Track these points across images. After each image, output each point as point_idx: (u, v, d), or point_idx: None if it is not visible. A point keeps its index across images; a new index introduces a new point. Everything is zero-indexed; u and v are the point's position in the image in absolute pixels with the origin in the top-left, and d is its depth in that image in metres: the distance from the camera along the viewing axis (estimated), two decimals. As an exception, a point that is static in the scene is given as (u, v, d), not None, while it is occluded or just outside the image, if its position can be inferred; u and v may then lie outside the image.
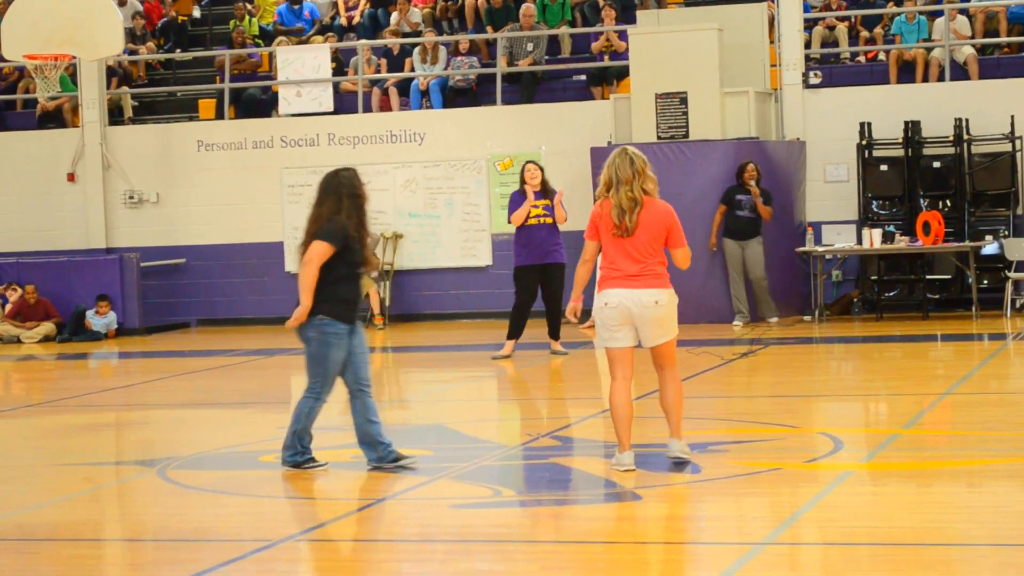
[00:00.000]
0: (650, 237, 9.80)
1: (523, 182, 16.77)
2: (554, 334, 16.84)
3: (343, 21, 24.42)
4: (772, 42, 20.76)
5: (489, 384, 15.81)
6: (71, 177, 22.90)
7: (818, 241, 19.51)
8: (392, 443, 10.26)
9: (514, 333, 17.06)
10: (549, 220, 16.67)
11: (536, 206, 16.60)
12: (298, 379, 17.30)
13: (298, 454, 10.33)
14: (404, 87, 22.94)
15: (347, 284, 10.34)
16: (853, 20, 21.94)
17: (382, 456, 10.17)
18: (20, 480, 11.32)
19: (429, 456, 10.88)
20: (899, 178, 20.13)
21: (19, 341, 21.22)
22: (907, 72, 21.25)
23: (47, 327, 21.45)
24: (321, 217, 10.21)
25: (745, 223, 17.95)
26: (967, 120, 19.95)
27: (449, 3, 24.02)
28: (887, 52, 21.56)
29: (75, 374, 18.44)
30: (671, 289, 9.88)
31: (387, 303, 21.44)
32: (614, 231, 9.72)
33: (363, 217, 10.31)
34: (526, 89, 22.44)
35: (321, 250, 10.07)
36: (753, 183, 17.88)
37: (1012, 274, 19.02)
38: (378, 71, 23.26)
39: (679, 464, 10.06)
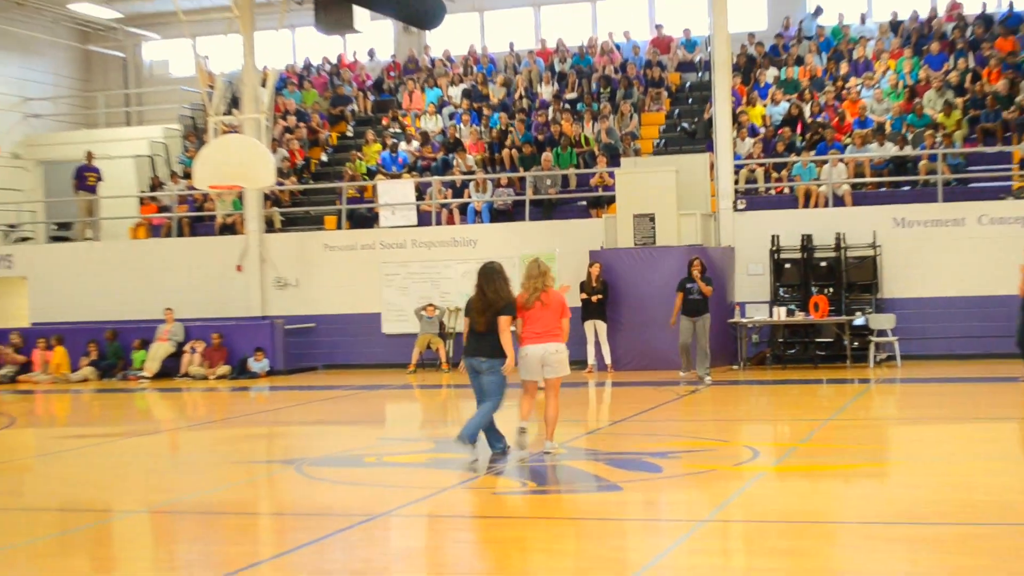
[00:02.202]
0: (551, 312, 10.66)
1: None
2: None
3: (423, 163, 24.60)
4: (712, 180, 20.80)
5: (513, 411, 15.88)
6: (239, 268, 23.04)
7: (743, 315, 19.47)
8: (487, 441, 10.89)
9: None
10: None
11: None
12: (395, 405, 17.44)
13: (499, 441, 10.83)
14: (463, 208, 23.09)
15: None
16: (767, 165, 22.03)
17: (494, 447, 10.88)
18: (202, 472, 11.46)
19: (476, 458, 10.92)
20: (798, 273, 20.11)
21: (206, 378, 21.37)
22: (811, 200, 21.20)
23: (224, 369, 21.60)
24: (506, 296, 10.60)
25: (694, 303, 17.58)
26: (844, 234, 20.00)
27: (495, 153, 24.26)
28: (791, 187, 21.63)
29: (241, 401, 18.54)
30: (563, 344, 10.76)
31: (450, 354, 21.49)
32: (535, 311, 10.64)
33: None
34: (546, 211, 22.56)
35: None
36: (697, 272, 17.64)
37: (874, 338, 18.99)
38: (446, 197, 23.42)
39: (548, 455, 10.75)
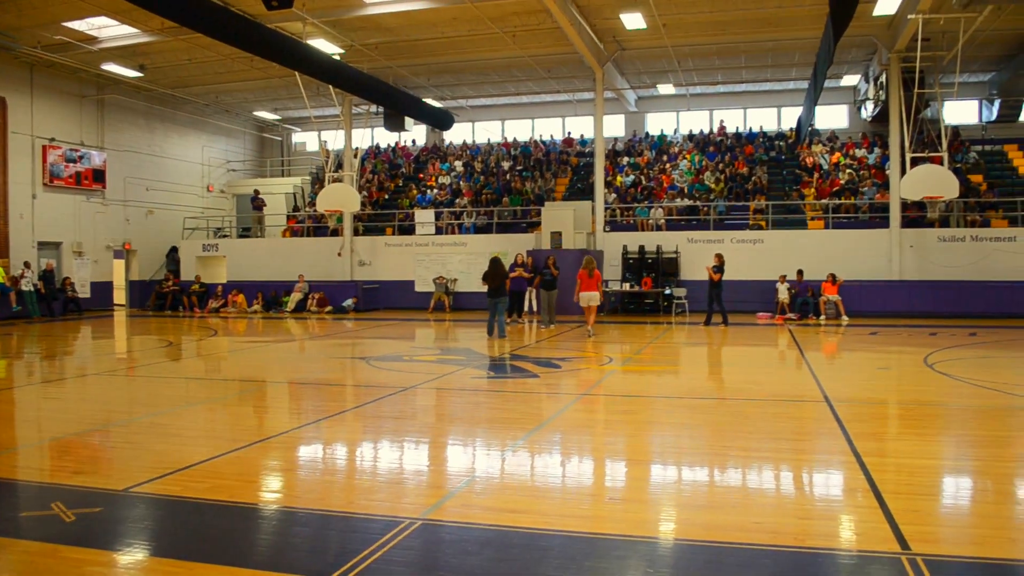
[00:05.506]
0: (593, 280, 13.19)
1: (515, 262, 17.23)
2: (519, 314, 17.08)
3: (440, 201, 24.35)
4: (593, 215, 20.71)
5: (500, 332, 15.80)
6: (339, 254, 22.71)
7: (606, 287, 19.50)
8: (504, 334, 12.96)
9: (518, 313, 17.30)
10: (526, 275, 17.19)
11: (516, 268, 17.07)
12: (421, 330, 17.25)
13: (499, 334, 12.64)
14: (460, 226, 22.81)
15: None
16: (622, 208, 22.04)
17: (500, 335, 12.78)
18: (316, 362, 11.20)
19: (464, 359, 10.83)
20: (637, 265, 20.08)
21: (319, 313, 21.04)
22: (644, 227, 21.25)
23: (329, 308, 21.24)
24: (503, 271, 13.31)
25: (548, 282, 16.12)
26: (661, 245, 20.01)
27: (478, 196, 24.06)
28: (634, 220, 21.64)
29: (338, 325, 18.30)
30: (597, 293, 13.15)
31: (451, 304, 21.35)
32: (584, 277, 12.86)
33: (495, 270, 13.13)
34: (505, 228, 22.40)
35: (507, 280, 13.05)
36: (551, 262, 16.22)
37: (675, 301, 19.10)
38: (451, 220, 23.18)
39: (589, 337, 12.66)
